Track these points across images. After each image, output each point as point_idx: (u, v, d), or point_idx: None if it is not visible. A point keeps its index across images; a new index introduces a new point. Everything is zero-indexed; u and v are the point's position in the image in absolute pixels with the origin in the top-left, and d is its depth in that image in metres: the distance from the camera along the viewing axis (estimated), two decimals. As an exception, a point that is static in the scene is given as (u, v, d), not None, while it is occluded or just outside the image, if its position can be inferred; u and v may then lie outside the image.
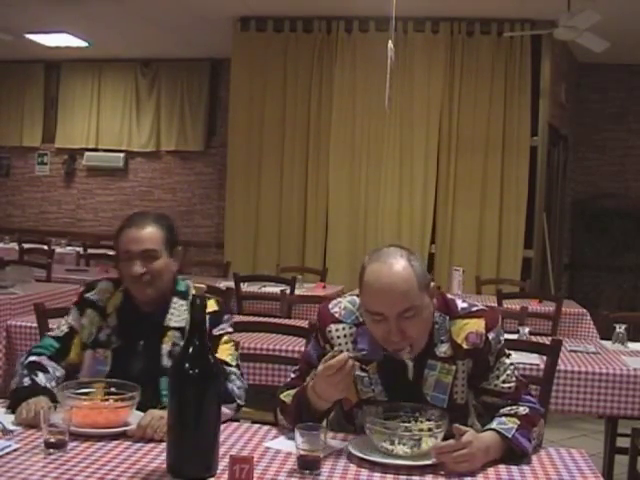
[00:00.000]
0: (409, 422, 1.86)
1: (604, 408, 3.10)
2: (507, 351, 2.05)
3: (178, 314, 2.22)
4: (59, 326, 2.29)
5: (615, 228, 7.90)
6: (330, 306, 2.08)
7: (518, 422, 1.86)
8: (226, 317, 2.26)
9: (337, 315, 2.05)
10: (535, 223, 6.65)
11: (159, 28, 7.40)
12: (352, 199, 6.87)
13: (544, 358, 2.79)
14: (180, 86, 8.74)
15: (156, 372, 2.13)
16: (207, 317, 1.85)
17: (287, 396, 2.01)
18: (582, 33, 5.53)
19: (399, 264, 1.88)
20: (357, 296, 2.03)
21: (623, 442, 3.53)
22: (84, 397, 1.91)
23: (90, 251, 7.24)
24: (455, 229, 6.74)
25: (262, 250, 7.08)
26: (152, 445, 1.81)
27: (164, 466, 1.65)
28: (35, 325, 3.07)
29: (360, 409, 1.97)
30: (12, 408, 1.98)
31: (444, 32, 6.69)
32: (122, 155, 8.96)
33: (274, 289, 5.04)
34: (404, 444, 1.76)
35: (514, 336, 3.36)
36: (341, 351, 1.88)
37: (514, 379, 1.99)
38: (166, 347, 2.18)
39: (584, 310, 5.04)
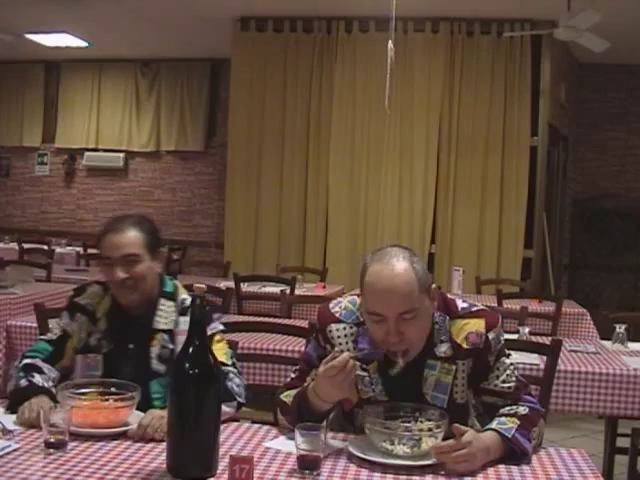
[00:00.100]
0: (409, 422, 1.86)
1: (604, 408, 3.10)
2: (507, 351, 2.05)
3: (166, 316, 2.21)
4: (51, 330, 2.29)
5: (615, 228, 7.90)
6: (330, 306, 2.08)
7: (518, 422, 1.86)
8: (216, 315, 2.24)
9: (337, 315, 2.04)
10: (535, 223, 6.65)
11: (159, 28, 7.40)
12: (352, 199, 6.87)
13: (544, 358, 2.79)
14: (180, 86, 8.74)
15: (146, 376, 2.13)
16: None
17: (287, 396, 2.01)
18: (582, 33, 5.53)
19: (401, 265, 1.87)
20: (357, 296, 2.03)
21: (623, 442, 3.53)
22: (84, 397, 1.91)
23: (90, 251, 7.22)
24: (455, 229, 6.74)
25: (262, 250, 7.08)
26: (152, 445, 1.81)
27: (164, 466, 1.65)
28: (35, 325, 3.07)
29: (361, 408, 1.97)
30: (11, 409, 1.98)
31: (444, 32, 6.69)
32: (122, 155, 8.96)
33: (274, 289, 5.04)
34: (404, 444, 1.76)
35: (514, 336, 3.36)
36: (342, 351, 1.89)
37: (514, 379, 1.99)
38: (155, 350, 2.17)
39: (584, 310, 5.03)
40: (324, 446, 1.72)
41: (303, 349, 2.78)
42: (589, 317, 4.96)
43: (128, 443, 1.82)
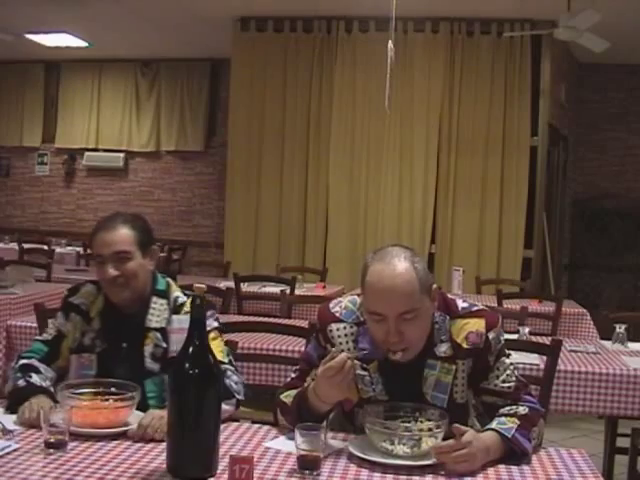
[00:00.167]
0: (409, 422, 1.86)
1: (604, 408, 3.10)
2: (507, 351, 2.05)
3: (158, 314, 2.20)
4: (47, 330, 2.29)
5: (615, 228, 7.90)
6: (331, 305, 2.08)
7: (518, 422, 1.86)
8: (209, 312, 2.21)
9: (338, 314, 2.04)
10: (535, 223, 6.65)
11: (159, 28, 7.40)
12: (352, 199, 6.87)
13: (544, 358, 2.79)
14: (180, 86, 8.74)
15: (140, 374, 2.12)
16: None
17: (287, 396, 2.01)
18: (582, 33, 5.53)
19: (402, 266, 1.87)
20: (358, 295, 2.03)
21: (623, 442, 3.53)
22: (84, 397, 1.91)
23: (90, 251, 7.21)
24: (455, 229, 6.74)
25: (262, 250, 7.08)
26: (152, 445, 1.81)
27: (164, 466, 1.65)
28: (35, 325, 3.07)
29: (361, 408, 1.97)
30: (11, 409, 1.98)
31: (444, 32, 6.69)
32: (122, 155, 8.96)
33: (274, 289, 5.04)
34: (404, 444, 1.76)
35: (514, 336, 3.36)
36: (341, 351, 1.88)
37: (514, 379, 1.99)
38: (149, 349, 2.17)
39: (584, 310, 5.03)
40: (324, 446, 1.72)
41: (303, 349, 2.78)
42: (589, 317, 4.96)
43: (128, 443, 1.82)
